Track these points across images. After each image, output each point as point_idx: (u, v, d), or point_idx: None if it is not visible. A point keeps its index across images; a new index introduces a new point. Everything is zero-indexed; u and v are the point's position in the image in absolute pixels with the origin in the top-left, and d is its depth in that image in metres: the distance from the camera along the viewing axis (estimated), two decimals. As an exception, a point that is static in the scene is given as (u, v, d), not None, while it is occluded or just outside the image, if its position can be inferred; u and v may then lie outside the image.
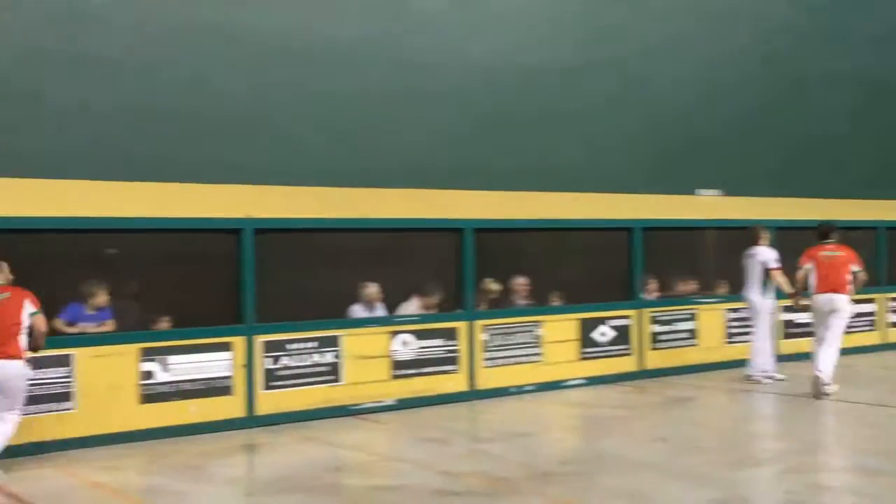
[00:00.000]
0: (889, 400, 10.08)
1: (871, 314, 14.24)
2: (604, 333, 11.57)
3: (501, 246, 11.18)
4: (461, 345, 10.42)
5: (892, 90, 17.39)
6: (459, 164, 12.36)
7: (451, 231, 10.63)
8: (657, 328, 12.05)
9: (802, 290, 10.93)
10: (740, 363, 11.70)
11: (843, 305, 10.52)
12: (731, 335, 12.62)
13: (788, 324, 13.30)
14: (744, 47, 15.32)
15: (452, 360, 10.36)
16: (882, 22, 17.41)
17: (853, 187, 16.32)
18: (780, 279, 11.34)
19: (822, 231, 10.94)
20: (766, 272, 11.35)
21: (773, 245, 11.72)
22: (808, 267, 10.74)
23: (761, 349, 11.45)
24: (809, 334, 13.43)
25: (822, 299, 10.58)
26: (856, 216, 14.50)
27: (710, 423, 9.41)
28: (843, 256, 10.67)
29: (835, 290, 10.51)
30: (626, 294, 11.93)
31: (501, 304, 11.18)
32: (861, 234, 14.16)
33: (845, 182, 16.32)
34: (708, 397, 10.71)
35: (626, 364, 11.75)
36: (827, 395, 10.16)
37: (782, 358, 12.96)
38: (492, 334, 10.66)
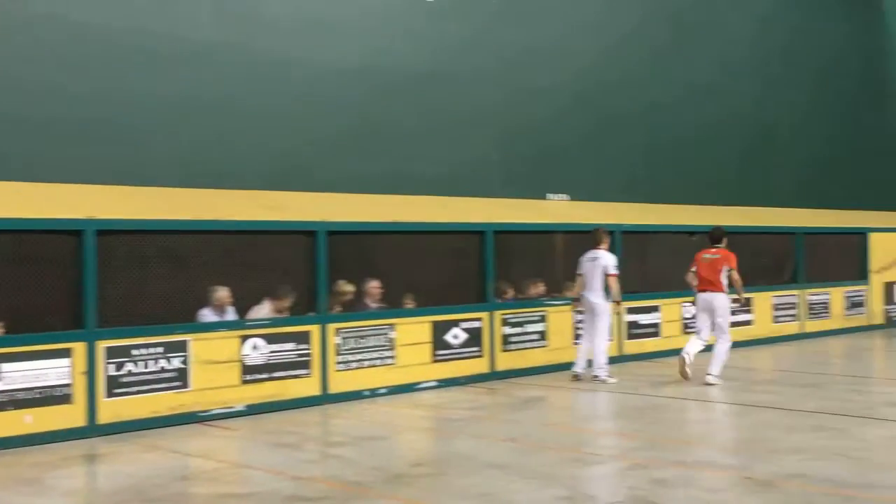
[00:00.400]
0: (726, 396, 10.55)
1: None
2: (456, 336, 11.67)
3: (354, 249, 11.13)
4: (313, 348, 10.31)
5: (731, 103, 18.25)
6: (314, 168, 12.24)
7: (303, 233, 10.51)
8: (508, 330, 12.25)
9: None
10: (588, 364, 12.00)
11: (721, 303, 11.40)
12: (578, 336, 12.95)
13: (633, 325, 13.77)
14: (595, 61, 15.76)
15: (304, 364, 10.23)
16: (723, 34, 18.25)
17: (695, 194, 17.07)
18: (615, 286, 11.73)
19: (711, 236, 11.92)
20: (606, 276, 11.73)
21: (612, 248, 12.16)
22: (693, 270, 11.74)
23: (603, 349, 11.81)
24: (653, 335, 14.04)
25: (701, 297, 11.54)
26: (695, 221, 15.16)
27: (559, 422, 9.62)
28: (718, 259, 11.48)
29: (712, 290, 11.39)
30: (478, 296, 12.08)
31: (355, 307, 11.12)
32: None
33: (688, 189, 17.05)
34: (556, 397, 10.95)
35: (477, 366, 11.90)
36: (711, 384, 11.18)
37: (628, 358, 13.44)
38: (344, 337, 10.59)
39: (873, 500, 6.19)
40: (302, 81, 12.31)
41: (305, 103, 12.34)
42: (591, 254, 11.87)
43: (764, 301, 15.95)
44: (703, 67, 17.69)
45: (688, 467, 7.20)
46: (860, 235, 18.19)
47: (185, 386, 9.32)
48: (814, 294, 16.98)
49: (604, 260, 11.75)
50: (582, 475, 7.11)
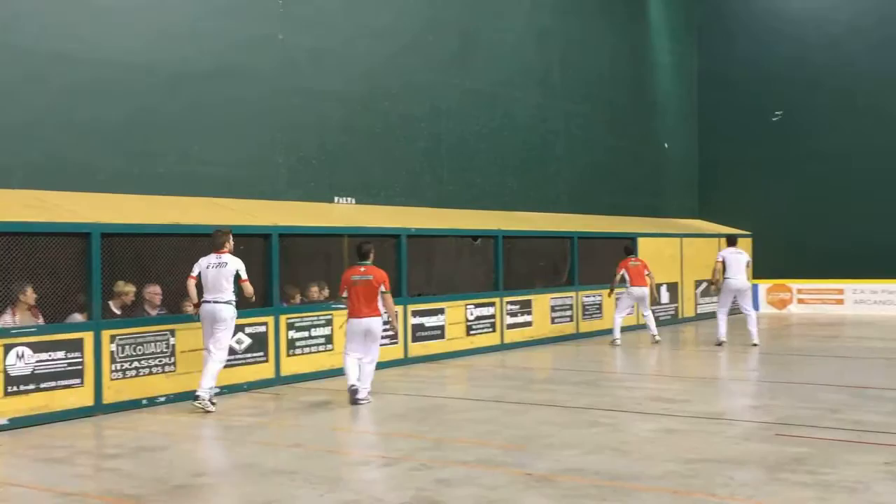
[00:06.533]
0: (507, 395, 10.88)
1: (491, 317, 15.34)
2: (240, 341, 11.42)
3: (131, 252, 10.64)
4: (86, 356, 9.78)
5: (512, 112, 18.87)
6: (89, 167, 11.60)
7: (75, 235, 9.95)
8: (294, 334, 12.11)
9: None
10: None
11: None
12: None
13: (419, 328, 13.94)
14: (380, 65, 15.83)
15: (76, 374, 9.69)
16: (504, 45, 18.83)
17: (478, 199, 17.53)
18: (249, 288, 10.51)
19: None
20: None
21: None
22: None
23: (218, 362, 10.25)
24: (438, 337, 14.25)
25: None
26: (478, 225, 15.54)
27: (344, 425, 9.60)
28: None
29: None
30: (262, 300, 11.87)
31: (134, 312, 10.65)
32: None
33: (471, 194, 17.49)
34: (342, 401, 10.89)
35: (262, 371, 11.70)
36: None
37: (413, 360, 13.58)
38: (120, 345, 10.12)
39: (640, 490, 6.57)
40: (75, 76, 11.62)
41: (80, 99, 11.66)
42: (214, 258, 10.30)
43: (542, 302, 16.60)
44: (486, 76, 18.19)
45: (470, 466, 7.36)
46: (630, 240, 19.28)
47: (-60, 400, 8.61)
48: (588, 295, 17.85)
49: (233, 265, 10.30)
50: (369, 478, 7.13)
